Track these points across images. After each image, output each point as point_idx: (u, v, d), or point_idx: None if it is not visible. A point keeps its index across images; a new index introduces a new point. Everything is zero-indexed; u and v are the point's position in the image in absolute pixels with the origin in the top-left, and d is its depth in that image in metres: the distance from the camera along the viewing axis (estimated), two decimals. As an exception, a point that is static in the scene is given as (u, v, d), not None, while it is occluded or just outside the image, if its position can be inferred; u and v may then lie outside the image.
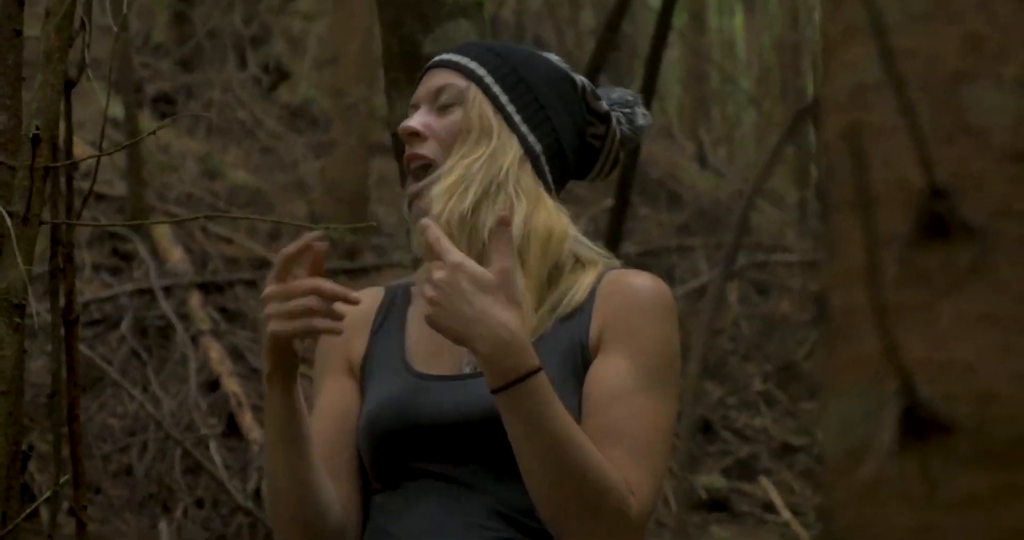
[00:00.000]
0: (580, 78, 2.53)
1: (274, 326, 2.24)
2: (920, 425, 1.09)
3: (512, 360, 2.19)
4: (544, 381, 2.20)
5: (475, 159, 2.41)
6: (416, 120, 2.46)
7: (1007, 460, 1.12)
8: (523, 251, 2.39)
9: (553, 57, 2.58)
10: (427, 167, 2.44)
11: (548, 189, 2.45)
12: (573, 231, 2.45)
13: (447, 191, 2.38)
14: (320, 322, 2.24)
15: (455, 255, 2.23)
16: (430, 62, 2.55)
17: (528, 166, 2.44)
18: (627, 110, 2.58)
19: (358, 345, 2.47)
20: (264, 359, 2.30)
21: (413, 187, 2.44)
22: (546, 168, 2.46)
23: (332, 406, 2.43)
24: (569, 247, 2.44)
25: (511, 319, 2.20)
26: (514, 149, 2.43)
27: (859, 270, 1.13)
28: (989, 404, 1.12)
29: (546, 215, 2.42)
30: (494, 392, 2.21)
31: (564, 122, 2.49)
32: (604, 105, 2.55)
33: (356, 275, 9.58)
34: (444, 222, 2.35)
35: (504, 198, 2.39)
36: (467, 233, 2.37)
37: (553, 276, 2.42)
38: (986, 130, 1.16)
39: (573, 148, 2.50)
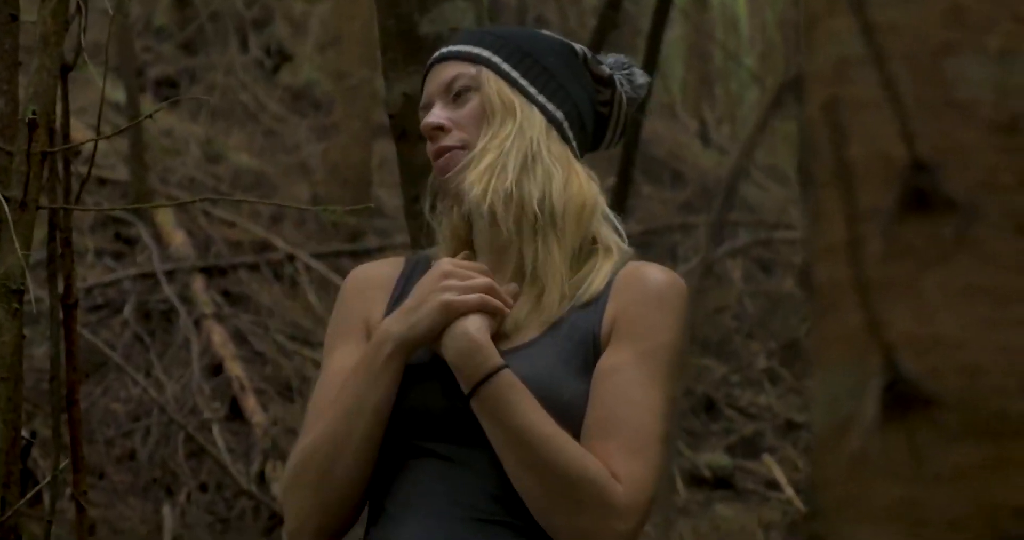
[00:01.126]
0: (579, 46, 2.56)
1: (448, 297, 2.32)
2: (903, 399, 1.09)
3: (473, 365, 2.28)
4: (509, 379, 2.26)
5: (505, 137, 2.43)
6: (436, 115, 2.46)
7: (993, 433, 1.12)
8: (561, 220, 2.42)
9: (547, 32, 2.60)
10: (460, 153, 2.44)
11: (576, 156, 2.47)
12: (601, 201, 2.48)
13: (486, 172, 2.40)
14: (493, 300, 2.33)
15: (442, 264, 2.37)
16: (431, 59, 2.55)
17: (554, 134, 2.47)
18: (626, 71, 2.60)
19: (377, 311, 2.47)
20: (408, 331, 2.33)
21: (448, 175, 2.45)
22: (570, 134, 2.48)
23: (346, 369, 2.42)
24: (596, 220, 2.46)
25: (470, 326, 2.30)
26: (539, 120, 2.46)
27: (842, 245, 1.13)
28: (974, 377, 1.12)
29: (579, 183, 2.45)
30: (467, 397, 2.28)
31: (576, 89, 2.52)
32: (606, 70, 2.56)
33: (358, 257, 9.58)
34: (489, 203, 2.37)
35: (542, 169, 2.41)
36: (513, 209, 2.39)
37: (578, 254, 2.45)
38: (970, 103, 1.15)
39: (589, 115, 2.52)
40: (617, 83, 2.57)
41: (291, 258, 9.49)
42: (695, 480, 8.71)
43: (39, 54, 2.93)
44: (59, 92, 3.01)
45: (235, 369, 8.10)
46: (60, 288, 3.08)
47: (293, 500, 2.38)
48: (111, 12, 3.20)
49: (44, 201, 2.98)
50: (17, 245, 2.78)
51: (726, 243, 11.07)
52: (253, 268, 9.35)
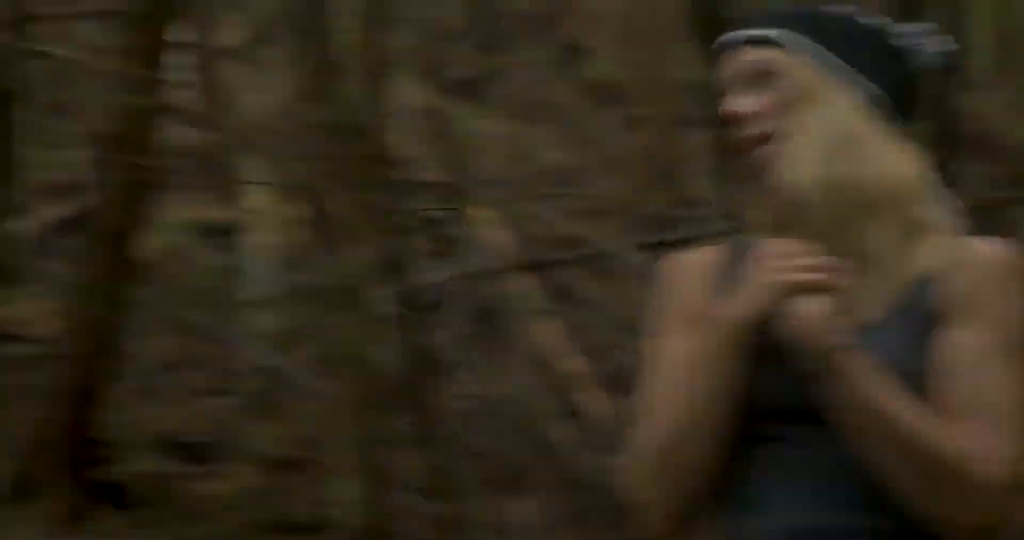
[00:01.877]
0: (877, 18, 2.48)
1: (783, 277, 2.25)
2: None
3: (821, 345, 2.20)
4: (859, 357, 2.19)
5: (815, 120, 2.36)
6: (738, 102, 2.40)
7: None
8: (885, 201, 2.35)
9: (840, 6, 2.51)
10: (771, 144, 2.38)
11: (891, 132, 2.39)
12: (927, 176, 2.39)
13: (801, 158, 2.34)
14: (829, 278, 2.25)
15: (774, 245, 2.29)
16: (725, 43, 2.47)
17: (866, 113, 2.38)
18: (926, 40, 2.50)
19: (698, 298, 2.41)
20: (744, 314, 2.27)
21: (762, 165, 2.39)
22: (882, 111, 2.40)
23: (677, 358, 2.35)
24: (923, 197, 2.38)
25: (812, 305, 2.22)
26: (847, 100, 2.38)
27: None
28: None
29: (898, 160, 2.37)
30: (815, 378, 2.20)
31: (881, 64, 2.43)
32: (907, 40, 2.48)
33: (677, 247, 9.56)
34: (809, 189, 2.33)
35: (858, 150, 2.35)
36: (834, 193, 2.33)
37: (909, 232, 2.36)
38: None
39: (895, 90, 2.43)
40: (919, 53, 2.48)
41: (610, 251, 9.52)
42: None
43: (352, 61, 2.97)
44: (374, 98, 3.05)
45: (571, 364, 8.18)
46: (399, 289, 3.11)
47: (642, 492, 2.34)
48: (420, 19, 3.22)
49: (375, 204, 3.01)
50: (355, 247, 2.81)
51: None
52: (575, 263, 9.42)
